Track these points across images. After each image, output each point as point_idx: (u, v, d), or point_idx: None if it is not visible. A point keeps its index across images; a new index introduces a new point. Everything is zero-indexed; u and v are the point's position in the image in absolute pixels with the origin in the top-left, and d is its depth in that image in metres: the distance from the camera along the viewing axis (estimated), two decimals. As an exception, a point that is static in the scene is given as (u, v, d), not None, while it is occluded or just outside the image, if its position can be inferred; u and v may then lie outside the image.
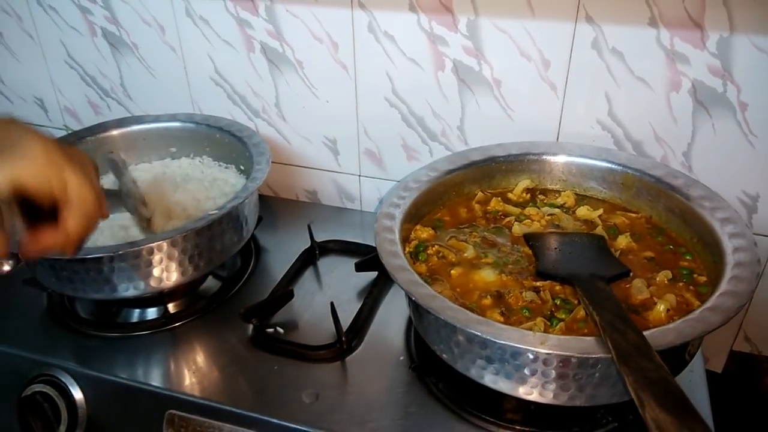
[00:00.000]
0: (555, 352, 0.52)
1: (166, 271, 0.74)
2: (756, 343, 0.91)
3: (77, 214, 0.46)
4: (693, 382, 0.70)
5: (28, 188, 0.42)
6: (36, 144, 0.42)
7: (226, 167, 0.94)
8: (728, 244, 0.63)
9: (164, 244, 0.71)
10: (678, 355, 0.58)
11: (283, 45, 0.93)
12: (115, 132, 0.95)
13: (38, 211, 0.45)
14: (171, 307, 0.82)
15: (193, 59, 1.00)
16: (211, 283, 0.88)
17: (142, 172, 0.94)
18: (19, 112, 1.19)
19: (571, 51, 0.80)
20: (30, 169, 0.41)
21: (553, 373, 0.55)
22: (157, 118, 0.97)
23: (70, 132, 0.98)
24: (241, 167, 0.92)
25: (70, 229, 0.46)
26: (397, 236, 0.68)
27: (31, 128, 0.45)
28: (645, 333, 0.52)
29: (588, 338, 0.53)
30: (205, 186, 0.89)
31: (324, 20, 0.89)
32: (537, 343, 0.53)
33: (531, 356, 0.54)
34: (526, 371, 0.56)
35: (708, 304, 0.56)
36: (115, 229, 0.79)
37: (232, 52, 0.97)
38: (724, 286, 0.58)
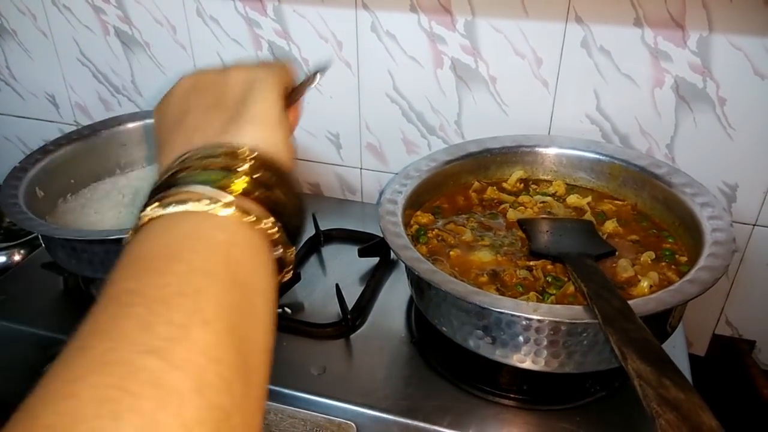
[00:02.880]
0: (547, 318, 0.57)
1: (181, 253, 0.77)
2: (737, 327, 0.96)
3: None
4: (675, 357, 0.74)
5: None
6: (267, 112, 0.41)
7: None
8: (707, 225, 0.68)
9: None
10: (660, 325, 0.62)
11: (290, 44, 0.98)
12: (129, 125, 0.99)
13: None
14: (182, 290, 0.86)
15: (203, 57, 1.05)
16: (219, 269, 0.92)
17: (154, 168, 0.99)
18: (30, 108, 1.23)
19: (562, 50, 0.85)
20: (264, 142, 0.40)
21: (545, 341, 0.60)
22: (168, 113, 1.02)
23: (83, 126, 1.02)
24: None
25: None
26: (399, 219, 0.72)
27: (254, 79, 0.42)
28: (629, 302, 0.57)
29: (577, 307, 0.58)
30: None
31: (329, 20, 0.94)
32: (530, 311, 0.57)
33: (525, 323, 0.59)
34: (520, 339, 0.60)
35: (687, 277, 0.61)
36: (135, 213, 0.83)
37: (241, 50, 1.01)
38: (702, 261, 0.63)
